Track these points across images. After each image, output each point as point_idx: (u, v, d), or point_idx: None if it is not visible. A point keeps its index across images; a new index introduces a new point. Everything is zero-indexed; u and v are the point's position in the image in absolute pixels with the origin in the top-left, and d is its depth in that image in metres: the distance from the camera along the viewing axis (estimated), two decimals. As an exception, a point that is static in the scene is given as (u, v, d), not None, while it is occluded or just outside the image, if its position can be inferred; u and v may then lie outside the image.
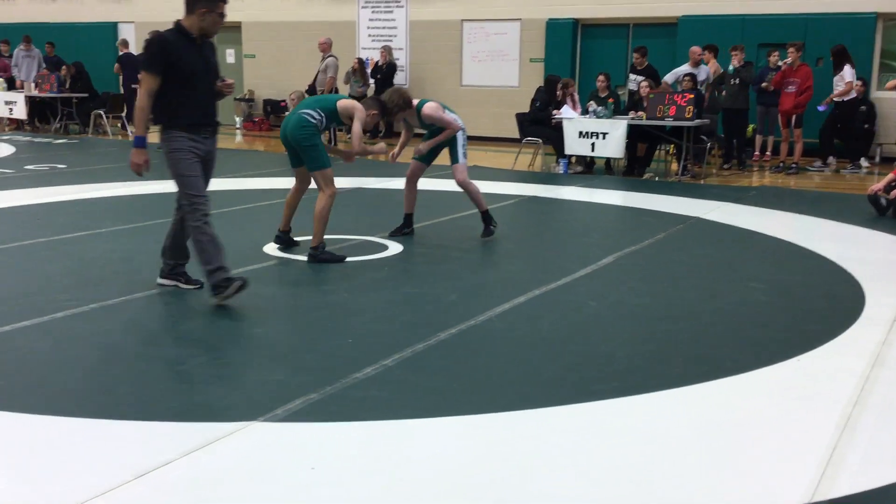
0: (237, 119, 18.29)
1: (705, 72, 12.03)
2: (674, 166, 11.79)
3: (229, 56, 19.07)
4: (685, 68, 11.92)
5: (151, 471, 2.97)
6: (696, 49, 11.99)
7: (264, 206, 8.69)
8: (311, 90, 13.86)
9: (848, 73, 11.88)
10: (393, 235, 7.00)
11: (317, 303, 5.18)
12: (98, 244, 6.66)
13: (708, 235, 7.40)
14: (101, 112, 16.09)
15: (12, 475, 2.96)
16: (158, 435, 3.29)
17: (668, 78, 11.97)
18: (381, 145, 6.68)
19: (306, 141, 6.03)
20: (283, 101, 18.11)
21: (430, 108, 6.77)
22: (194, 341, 4.42)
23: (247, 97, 18.48)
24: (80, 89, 16.24)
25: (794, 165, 11.84)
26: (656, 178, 11.20)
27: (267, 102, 18.22)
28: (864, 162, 12.57)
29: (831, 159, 12.51)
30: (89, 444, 3.21)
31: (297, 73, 17.42)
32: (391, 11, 16.82)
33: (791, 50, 11.64)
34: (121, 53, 13.84)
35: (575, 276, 5.78)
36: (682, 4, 14.18)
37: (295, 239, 6.59)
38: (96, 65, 17.72)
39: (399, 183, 7.51)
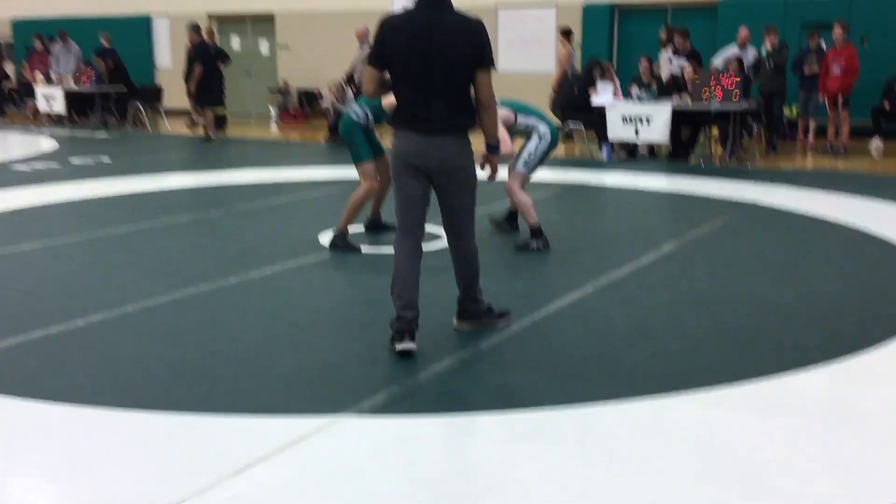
0: (272, 110, 18.30)
1: (753, 54, 11.82)
2: (718, 150, 11.63)
3: (263, 48, 19.08)
4: (733, 50, 11.72)
5: (250, 466, 2.95)
6: (743, 31, 11.77)
7: (311, 199, 8.67)
8: (350, 80, 13.80)
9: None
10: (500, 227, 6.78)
11: (381, 295, 5.13)
12: (158, 237, 6.66)
13: (768, 220, 7.27)
14: (139, 105, 16.16)
15: (108, 472, 2.94)
16: (249, 429, 3.26)
17: (717, 62, 11.77)
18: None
19: (347, 137, 6.17)
20: (318, 91, 18.12)
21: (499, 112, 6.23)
22: (267, 336, 4.39)
23: (281, 88, 18.48)
24: (118, 83, 16.30)
25: (842, 147, 11.63)
26: (702, 163, 11.05)
27: (302, 93, 18.21)
28: (914, 143, 12.33)
29: (877, 140, 12.29)
30: (182, 439, 3.19)
31: (332, 64, 17.38)
32: None
33: (837, 29, 11.40)
34: (196, 42, 13.41)
35: (639, 264, 5.70)
36: (723, -14, 13.95)
37: (388, 224, 6.64)
38: (132, 58, 17.78)
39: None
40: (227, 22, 19.07)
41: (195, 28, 13.65)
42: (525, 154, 6.28)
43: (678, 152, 11.38)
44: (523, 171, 6.31)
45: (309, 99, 18.16)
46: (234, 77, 17.59)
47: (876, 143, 12.25)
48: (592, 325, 4.50)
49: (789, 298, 4.97)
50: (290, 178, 9.97)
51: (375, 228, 6.77)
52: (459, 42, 3.90)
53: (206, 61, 13.28)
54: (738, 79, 10.68)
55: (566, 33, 13.60)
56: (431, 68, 3.91)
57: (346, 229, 6.22)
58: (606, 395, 3.55)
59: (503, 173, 5.61)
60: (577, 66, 13.90)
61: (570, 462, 3.00)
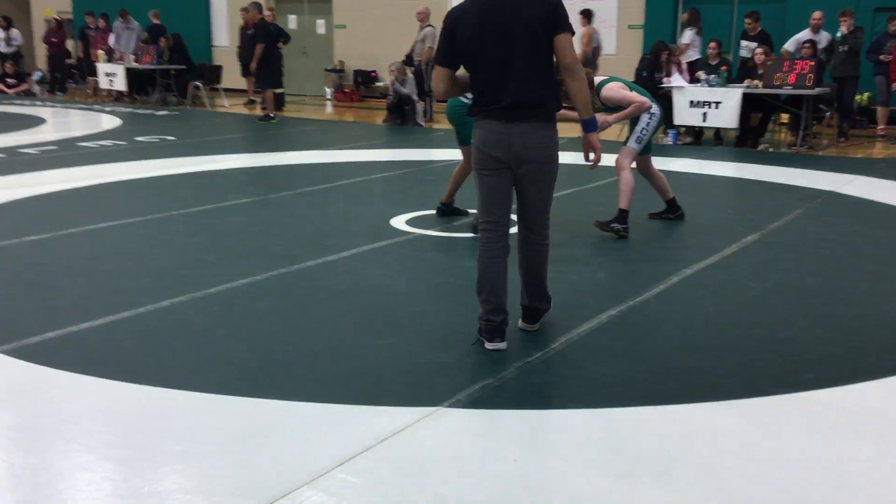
0: (327, 90, 18.29)
1: (826, 38, 11.48)
2: (787, 136, 11.35)
3: (320, 27, 19.05)
4: (805, 34, 11.40)
5: (352, 457, 2.90)
6: (817, 14, 11.43)
7: (376, 180, 8.62)
8: (409, 61, 13.71)
9: (689, 36, 12.12)
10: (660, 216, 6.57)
11: (463, 281, 5.05)
12: (231, 217, 6.66)
13: (850, 211, 7.06)
14: (199, 83, 16.25)
15: (215, 460, 2.92)
16: (348, 419, 3.21)
17: (789, 46, 11.46)
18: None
19: (456, 119, 6.11)
20: (374, 71, 18.07)
21: (610, 88, 6.00)
22: (353, 321, 4.34)
23: (337, 68, 18.46)
24: (178, 61, 16.41)
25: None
26: (771, 149, 10.79)
27: (357, 73, 18.18)
28: None
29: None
30: (283, 428, 3.14)
31: (388, 44, 17.30)
32: (485, -21, 16.49)
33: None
34: (258, 20, 13.32)
35: (723, 255, 5.55)
36: (793, -33, 13.55)
37: (459, 208, 6.68)
38: (189, 36, 17.85)
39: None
40: (285, 1, 19.05)
41: (257, 6, 13.64)
42: (639, 130, 6.09)
43: (746, 138, 11.12)
44: (635, 147, 6.14)
45: (365, 79, 18.12)
46: (291, 56, 17.58)
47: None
48: (681, 319, 4.37)
49: (888, 296, 4.79)
50: (352, 158, 9.93)
51: (449, 213, 6.68)
52: (529, 10, 3.64)
53: (268, 40, 13.28)
54: (812, 63, 10.38)
55: (586, 13, 13.43)
56: (505, 48, 3.67)
57: (451, 199, 6.60)
58: (711, 395, 3.45)
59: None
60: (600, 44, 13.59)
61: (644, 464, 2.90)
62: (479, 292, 3.91)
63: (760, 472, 2.82)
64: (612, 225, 6.01)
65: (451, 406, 3.32)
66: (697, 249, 5.66)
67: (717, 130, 11.47)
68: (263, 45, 13.14)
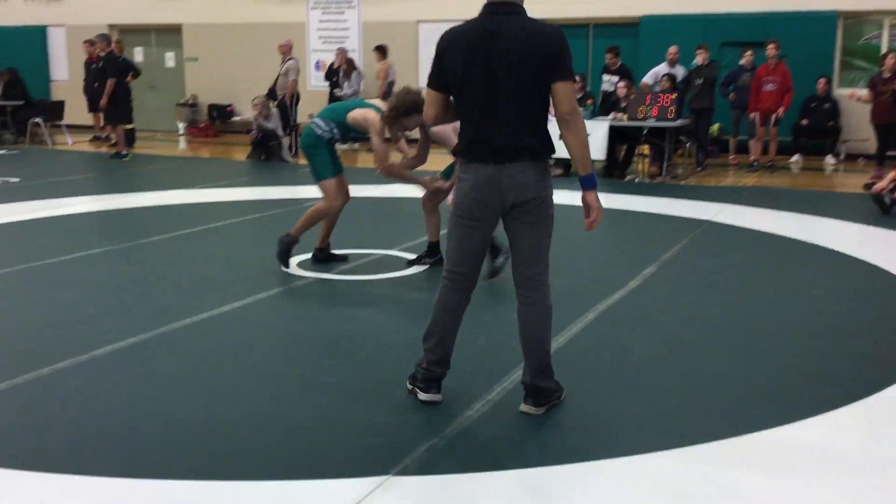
0: (180, 125, 17.52)
1: (682, 71, 11.95)
2: (647, 167, 11.68)
3: (169, 60, 18.27)
4: (663, 68, 11.82)
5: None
6: (672, 49, 11.89)
7: (251, 221, 8.20)
8: (272, 94, 13.28)
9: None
10: (414, 263, 6.05)
11: (376, 329, 4.77)
12: (102, 266, 6.08)
13: (732, 240, 7.24)
14: (39, 120, 15.16)
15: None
16: (290, 498, 2.87)
17: (648, 79, 11.85)
18: (430, 183, 5.74)
19: (307, 151, 5.80)
20: (230, 105, 17.47)
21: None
22: (267, 381, 3.97)
23: (190, 102, 17.72)
24: (15, 97, 15.26)
25: (771, 164, 11.86)
26: (636, 180, 11.07)
27: (212, 107, 17.50)
28: (829, 159, 12.73)
29: (797, 156, 12.66)
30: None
31: (244, 77, 16.78)
32: (342, 12, 16.33)
33: (770, 47, 11.60)
34: (104, 54, 12.50)
35: (629, 288, 5.52)
36: (644, 4, 14.11)
37: (336, 253, 6.24)
38: (25, 70, 16.66)
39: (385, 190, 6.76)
40: (130, 32, 18.16)
41: (105, 38, 12.86)
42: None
43: (613, 169, 11.38)
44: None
45: (220, 113, 17.48)
46: (138, 91, 16.68)
47: (796, 159, 12.61)
48: (609, 360, 4.26)
49: (800, 324, 4.86)
50: (220, 198, 9.42)
51: (325, 259, 6.18)
52: (528, 50, 3.30)
53: (119, 75, 12.53)
54: (672, 96, 10.75)
55: (381, 49, 14.18)
56: (496, 84, 3.33)
57: (295, 236, 5.99)
58: (647, 446, 3.32)
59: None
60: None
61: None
62: (427, 340, 3.63)
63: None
64: (425, 260, 5.97)
65: (400, 474, 3.03)
66: (604, 283, 5.60)
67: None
68: (115, 79, 12.38)
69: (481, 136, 3.40)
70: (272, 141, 12.59)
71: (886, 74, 10.43)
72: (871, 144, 12.18)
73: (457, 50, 3.38)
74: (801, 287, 5.65)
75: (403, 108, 5.24)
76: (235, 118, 17.47)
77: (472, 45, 3.35)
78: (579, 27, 14.82)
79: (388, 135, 5.57)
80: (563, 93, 3.36)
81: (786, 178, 11.37)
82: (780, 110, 11.52)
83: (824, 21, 13.07)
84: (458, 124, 3.59)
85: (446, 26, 3.59)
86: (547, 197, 3.48)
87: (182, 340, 4.50)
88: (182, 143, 16.41)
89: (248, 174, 11.71)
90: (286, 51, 13.38)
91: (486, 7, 3.42)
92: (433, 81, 3.50)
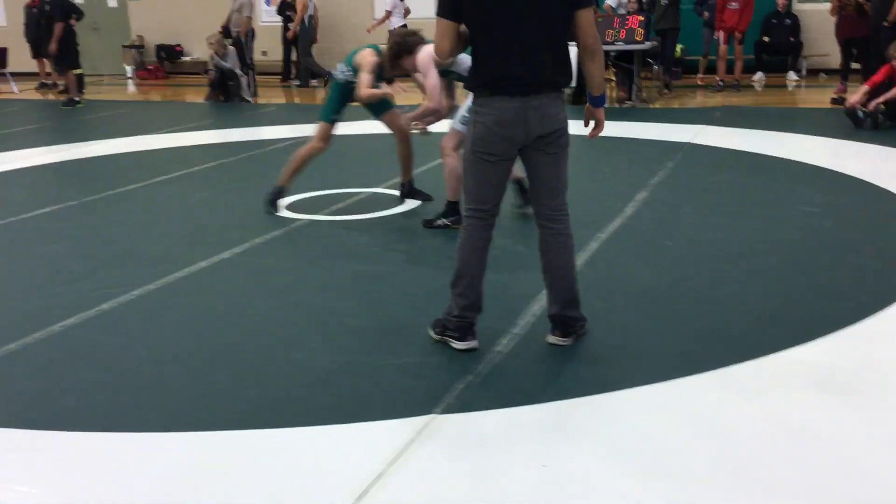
0: (128, 68, 16.95)
1: (646, -8, 11.82)
2: (615, 92, 11.62)
3: (111, 0, 17.56)
4: (627, -11, 11.67)
5: (380, 476, 2.55)
6: (636, -30, 11.71)
7: (228, 162, 8.00)
8: (226, 32, 12.87)
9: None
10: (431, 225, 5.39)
11: (380, 268, 4.70)
12: (83, 218, 5.89)
13: (715, 160, 7.27)
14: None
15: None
16: (336, 441, 2.84)
17: (611, 1, 11.70)
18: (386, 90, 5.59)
19: (327, 94, 5.80)
20: (179, 45, 16.94)
21: (423, 55, 5.07)
22: (286, 327, 3.90)
23: (136, 44, 17.13)
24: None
25: (736, 83, 11.89)
26: (606, 105, 10.99)
27: (160, 48, 16.95)
28: (791, 75, 12.81)
29: (760, 74, 12.71)
30: (266, 460, 2.72)
31: (191, 15, 16.26)
32: (292, -57, 15.77)
33: (734, -39, 11.52)
34: None
35: (626, 215, 5.52)
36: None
37: (419, 190, 6.07)
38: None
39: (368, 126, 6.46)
40: (68, -27, 17.35)
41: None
42: (464, 109, 5.04)
43: (581, 96, 11.29)
44: (461, 129, 5.04)
45: (169, 54, 16.95)
46: (80, 34, 16.04)
47: (759, 77, 12.67)
48: (618, 287, 4.27)
49: (798, 243, 4.91)
50: (186, 142, 9.18)
51: (410, 194, 6.05)
52: None
53: (66, 18, 12.01)
54: (640, 18, 10.66)
55: None
56: (521, 12, 3.20)
57: (284, 185, 5.90)
58: (679, 370, 3.35)
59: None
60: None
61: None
62: (455, 285, 3.52)
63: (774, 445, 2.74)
64: (439, 223, 5.32)
65: (444, 412, 3.01)
66: (600, 211, 5.58)
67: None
68: (63, 23, 11.87)
69: (507, 68, 3.27)
70: (230, 81, 12.25)
71: (852, -13, 10.46)
72: (832, 59, 12.29)
73: None
74: (792, 204, 5.71)
75: (392, 54, 5.14)
76: (185, 58, 16.98)
77: None
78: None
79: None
80: (588, 20, 3.29)
81: (750, 96, 11.42)
82: (740, 29, 11.53)
83: (784, -66, 12.97)
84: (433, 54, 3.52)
85: None
86: (566, 127, 3.42)
87: (188, 290, 4.39)
88: (131, 87, 15.91)
89: (209, 116, 11.41)
90: (238, -14, 12.93)
91: None
92: (448, 9, 3.30)
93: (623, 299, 4.08)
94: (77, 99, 12.40)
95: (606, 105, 3.70)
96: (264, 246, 5.12)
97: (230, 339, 3.75)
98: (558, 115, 3.36)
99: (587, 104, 3.59)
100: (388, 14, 13.86)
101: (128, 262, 4.86)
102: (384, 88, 5.64)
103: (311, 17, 13.98)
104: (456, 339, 3.53)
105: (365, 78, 5.44)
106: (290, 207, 5.97)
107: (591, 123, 3.63)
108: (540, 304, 3.98)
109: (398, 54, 5.13)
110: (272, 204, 5.84)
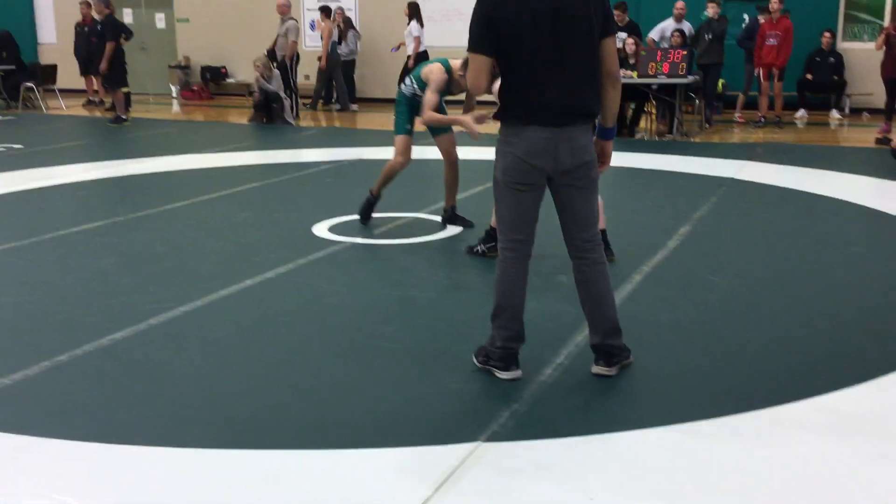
0: (173, 88, 17.25)
1: (688, 27, 11.85)
2: (655, 125, 11.61)
3: (159, 21, 17.94)
4: (670, 24, 11.71)
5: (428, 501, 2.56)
6: (680, 4, 11.77)
7: (271, 183, 8.09)
8: (272, 55, 13.07)
9: (415, 28, 13.30)
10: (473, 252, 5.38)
11: (422, 293, 4.72)
12: (132, 234, 5.98)
13: (759, 196, 7.23)
14: (32, 85, 14.87)
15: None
16: (388, 463, 2.85)
17: (654, 35, 11.74)
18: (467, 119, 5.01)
19: (395, 108, 5.92)
20: (223, 67, 17.21)
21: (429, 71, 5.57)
22: (331, 350, 3.93)
23: (182, 64, 17.44)
24: (7, 61, 14.94)
25: (777, 119, 11.84)
26: (645, 138, 11.02)
27: (205, 69, 17.23)
28: (834, 113, 12.72)
29: (802, 112, 12.64)
30: (326, 480, 2.74)
31: (237, 38, 16.53)
32: (338, -29, 16.04)
33: (773, 1, 11.52)
34: (100, 17, 12.29)
35: (670, 248, 5.49)
36: (646, -41, 13.92)
37: (461, 216, 6.09)
38: (17, 34, 16.32)
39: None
40: (119, -7, 17.77)
41: (104, 1, 12.55)
42: None
43: (621, 128, 11.30)
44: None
45: (214, 75, 17.22)
46: (129, 53, 16.42)
47: (801, 114, 12.60)
48: (671, 322, 4.25)
49: (845, 282, 4.87)
50: (231, 162, 9.30)
51: (451, 219, 6.08)
52: (583, 6, 3.21)
53: (116, 38, 12.27)
54: (683, 52, 10.67)
55: (326, 10, 14.25)
56: (565, 40, 3.21)
57: (377, 193, 6.11)
58: (737, 407, 3.32)
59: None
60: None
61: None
62: (496, 317, 3.51)
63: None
64: (478, 249, 5.32)
65: (490, 440, 3.01)
66: (644, 244, 5.56)
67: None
68: (114, 43, 12.13)
69: (543, 98, 3.25)
70: (274, 103, 12.42)
71: (900, 26, 10.40)
72: (876, 98, 12.20)
73: (515, 10, 3.22)
74: (838, 244, 5.66)
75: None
76: (229, 80, 17.23)
77: (533, 4, 3.20)
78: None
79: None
80: (612, 48, 3.34)
81: (792, 133, 11.36)
82: (778, 64, 11.50)
83: (829, -26, 12.97)
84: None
85: None
86: (595, 159, 3.43)
87: (234, 308, 4.44)
88: (175, 107, 16.17)
89: (252, 137, 11.57)
90: (285, 10, 13.16)
91: None
92: (484, 47, 3.29)
93: (668, 333, 4.06)
94: (124, 117, 12.63)
95: (646, 138, 3.70)
96: (308, 267, 5.17)
97: (275, 358, 3.79)
98: (588, 146, 3.36)
99: (595, 136, 3.51)
100: (418, 40, 13.98)
101: (175, 279, 4.93)
102: (455, 116, 5.40)
103: (334, 42, 14.25)
104: (500, 369, 3.52)
105: (430, 99, 5.45)
106: (333, 230, 6.03)
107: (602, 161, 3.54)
108: (583, 334, 3.96)
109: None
110: (367, 212, 6.11)
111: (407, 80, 5.82)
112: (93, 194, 7.68)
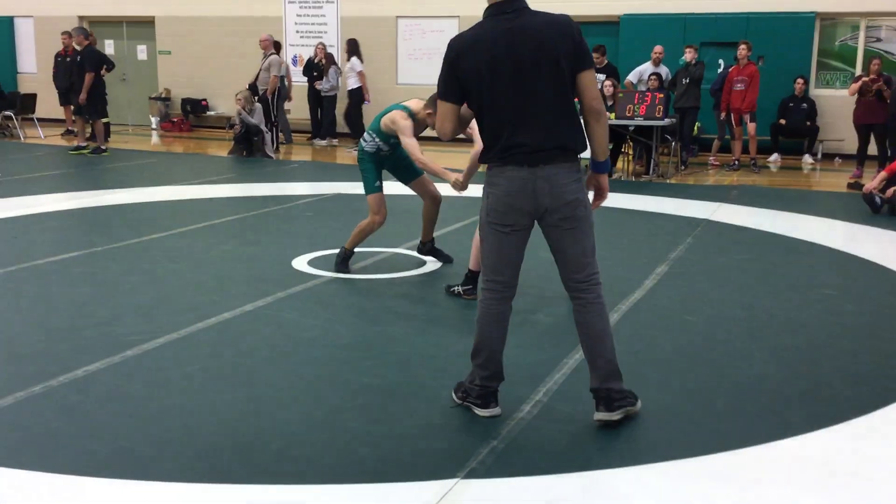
0: (153, 119, 17.25)
1: (665, 71, 12.06)
2: (631, 166, 11.74)
3: (141, 52, 17.96)
4: (648, 67, 11.92)
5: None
6: (658, 48, 11.99)
7: (251, 216, 8.09)
8: (253, 89, 13.12)
9: (356, 63, 13.84)
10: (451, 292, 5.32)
11: (400, 329, 4.73)
12: (108, 264, 5.95)
13: (734, 238, 7.32)
14: (11, 114, 14.82)
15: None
16: (367, 499, 2.85)
17: (632, 77, 11.94)
18: (453, 176, 5.13)
19: (359, 164, 5.75)
20: (204, 99, 17.24)
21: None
22: (310, 384, 3.92)
23: (162, 96, 17.45)
24: (-16, 89, 14.89)
25: (751, 162, 12.02)
26: (622, 178, 11.15)
27: (186, 101, 17.24)
28: (807, 158, 12.94)
29: (776, 156, 12.85)
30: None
31: (218, 71, 16.59)
32: (321, 7, 16.19)
33: (742, 48, 11.79)
34: (81, 47, 12.33)
35: (646, 288, 5.55)
36: (624, 3, 14.20)
37: (440, 249, 6.13)
38: (-6, 62, 16.35)
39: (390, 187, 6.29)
40: (101, 24, 17.81)
41: (83, 31, 12.57)
42: None
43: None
44: None
45: (194, 108, 17.23)
46: (109, 84, 16.40)
47: (775, 158, 12.81)
48: (646, 357, 4.28)
49: (817, 323, 4.94)
50: (211, 194, 9.29)
51: (431, 252, 6.13)
52: (553, 41, 3.23)
53: (97, 69, 12.28)
54: (661, 94, 10.85)
55: (275, 44, 13.92)
56: (526, 84, 3.24)
57: (349, 250, 5.86)
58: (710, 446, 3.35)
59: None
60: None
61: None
62: (475, 356, 3.52)
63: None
64: (456, 290, 5.26)
65: (468, 477, 3.02)
66: (620, 282, 5.60)
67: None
68: (93, 73, 12.13)
69: (515, 139, 3.28)
70: (256, 136, 12.45)
71: (873, 75, 10.63)
72: (847, 144, 12.44)
73: (477, 54, 3.27)
74: (811, 286, 5.74)
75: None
76: (210, 113, 17.25)
77: (495, 46, 3.25)
78: (559, 25, 14.85)
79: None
80: (589, 81, 3.31)
81: (766, 176, 11.53)
82: (744, 109, 11.72)
83: (802, 22, 13.27)
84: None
85: (425, 22, 3.58)
86: (584, 198, 3.39)
87: (213, 341, 4.43)
88: (155, 138, 16.15)
89: (233, 170, 11.57)
90: (267, 45, 13.26)
91: (491, 8, 3.31)
92: (449, 93, 3.37)
93: (645, 372, 4.08)
94: (103, 147, 12.60)
95: (623, 178, 3.73)
96: (287, 301, 5.16)
97: (252, 392, 3.77)
98: (570, 185, 3.31)
99: (590, 170, 3.52)
100: (362, 75, 14.23)
101: (152, 311, 4.90)
102: (445, 170, 5.25)
103: (282, 77, 14.06)
104: (479, 406, 3.53)
105: (411, 143, 5.32)
106: (312, 263, 6.04)
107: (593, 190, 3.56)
108: (562, 372, 4.01)
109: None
110: (343, 265, 5.82)
111: (366, 136, 5.64)
112: (70, 224, 7.64)
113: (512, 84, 3.27)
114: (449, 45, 3.37)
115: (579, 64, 3.29)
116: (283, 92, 13.69)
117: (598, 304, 3.44)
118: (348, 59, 14.10)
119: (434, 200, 5.92)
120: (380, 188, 5.71)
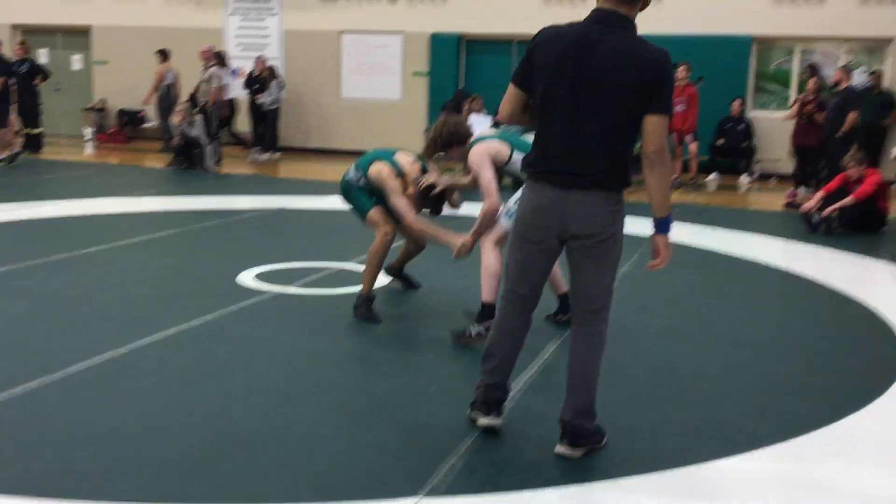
0: (87, 130, 16.82)
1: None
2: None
3: (76, 62, 17.53)
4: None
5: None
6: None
7: (191, 230, 7.92)
8: (193, 101, 12.90)
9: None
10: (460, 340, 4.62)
11: (352, 345, 4.66)
12: (46, 278, 5.73)
13: (679, 256, 7.20)
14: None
15: None
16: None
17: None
18: (458, 239, 4.75)
19: (345, 196, 5.22)
20: (142, 111, 16.90)
21: (476, 151, 4.64)
22: (260, 399, 3.82)
23: (97, 107, 17.04)
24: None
25: (692, 181, 12.24)
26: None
27: (122, 112, 16.87)
28: (744, 178, 13.23)
29: (714, 175, 13.11)
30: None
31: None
32: (263, 20, 16.03)
33: (681, 69, 12.02)
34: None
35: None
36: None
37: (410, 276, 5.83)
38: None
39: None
40: (35, 33, 17.34)
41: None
42: (512, 201, 4.69)
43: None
44: (506, 224, 4.68)
45: (131, 119, 16.87)
46: (43, 94, 15.98)
47: (713, 177, 13.07)
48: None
49: (770, 341, 5.01)
50: (150, 208, 9.09)
51: (399, 276, 5.82)
52: (625, 73, 3.01)
53: (7, 75, 11.96)
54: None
55: (162, 52, 14.61)
56: (581, 102, 3.06)
57: (371, 291, 5.12)
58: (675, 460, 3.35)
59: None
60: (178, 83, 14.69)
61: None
62: (485, 361, 3.43)
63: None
64: (470, 332, 4.58)
65: (430, 494, 2.96)
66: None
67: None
68: (3, 79, 11.83)
69: (556, 154, 3.14)
70: (195, 149, 12.22)
71: (809, 97, 10.91)
72: (783, 165, 12.74)
73: (550, 52, 3.10)
74: (757, 303, 5.84)
75: (441, 140, 4.73)
76: (147, 125, 16.91)
77: (566, 52, 3.07)
78: (502, 43, 14.96)
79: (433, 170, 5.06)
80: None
81: (705, 195, 11.75)
82: (685, 130, 11.96)
83: (739, 45, 13.59)
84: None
85: (370, 38, 3.53)
86: (616, 233, 3.21)
87: (158, 356, 4.29)
88: (89, 149, 15.75)
89: (171, 182, 11.34)
90: (208, 57, 13.09)
91: (593, 13, 3.12)
92: (517, 76, 3.23)
93: (601, 387, 4.08)
94: (3, 157, 12.16)
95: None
96: (234, 316, 5.04)
97: (202, 409, 3.66)
98: (601, 218, 3.13)
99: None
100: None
101: (94, 326, 4.74)
102: (446, 235, 4.87)
103: (168, 86, 14.44)
104: (482, 413, 3.45)
105: (403, 204, 4.90)
106: (260, 277, 5.92)
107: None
108: (518, 389, 3.97)
109: (450, 143, 4.74)
110: (369, 312, 5.06)
111: (353, 173, 5.12)
112: (2, 236, 7.37)
113: (566, 97, 3.10)
114: (538, 32, 3.20)
115: (653, 106, 3.06)
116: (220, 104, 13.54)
117: (599, 338, 3.30)
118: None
119: (418, 247, 5.58)
120: (377, 203, 5.12)
